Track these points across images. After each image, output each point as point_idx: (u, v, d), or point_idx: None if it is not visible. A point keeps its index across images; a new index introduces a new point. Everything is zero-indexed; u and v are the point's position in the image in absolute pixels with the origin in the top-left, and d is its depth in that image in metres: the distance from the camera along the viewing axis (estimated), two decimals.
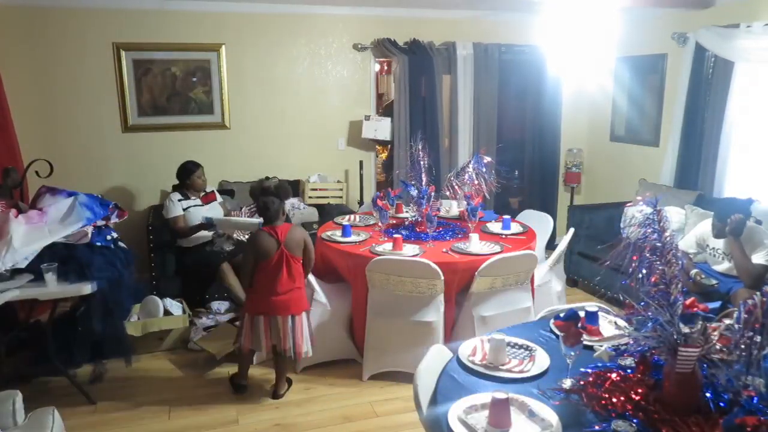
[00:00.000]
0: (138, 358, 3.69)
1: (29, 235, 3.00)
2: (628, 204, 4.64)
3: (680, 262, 1.70)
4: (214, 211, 4.41)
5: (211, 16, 4.87)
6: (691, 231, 3.94)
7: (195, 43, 4.86)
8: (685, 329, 1.64)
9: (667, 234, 1.71)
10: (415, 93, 5.32)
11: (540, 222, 4.18)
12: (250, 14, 4.95)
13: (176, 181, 4.46)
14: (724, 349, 1.69)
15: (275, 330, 3.12)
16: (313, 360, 3.58)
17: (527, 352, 2.13)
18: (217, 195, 4.58)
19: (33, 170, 3.75)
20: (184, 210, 4.31)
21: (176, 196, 4.36)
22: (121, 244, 3.45)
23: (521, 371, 1.99)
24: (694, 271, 3.62)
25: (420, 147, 4.06)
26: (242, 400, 3.29)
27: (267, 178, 3.36)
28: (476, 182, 4.06)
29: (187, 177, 4.38)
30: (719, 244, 3.63)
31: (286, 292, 3.10)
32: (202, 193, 4.47)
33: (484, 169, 4.09)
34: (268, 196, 3.10)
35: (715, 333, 1.69)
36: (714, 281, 3.57)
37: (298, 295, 3.16)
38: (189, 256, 4.32)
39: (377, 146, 5.67)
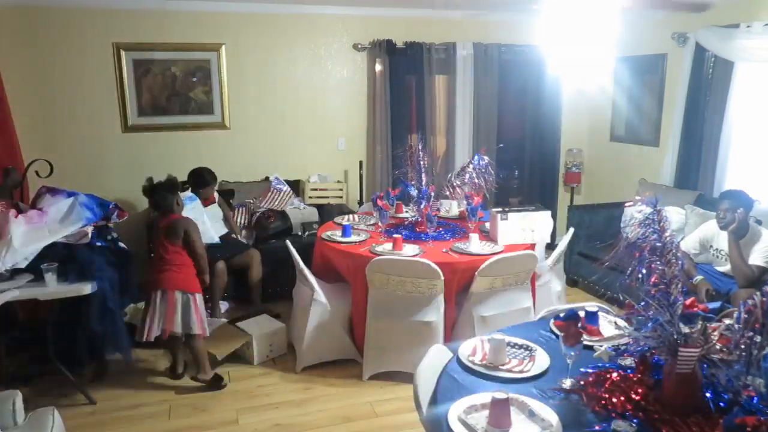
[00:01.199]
0: (138, 357, 3.70)
1: (29, 235, 3.01)
2: (628, 204, 4.64)
3: (680, 262, 1.70)
4: (214, 212, 4.41)
5: (211, 16, 4.87)
6: (695, 231, 3.92)
7: (195, 43, 4.86)
8: (685, 329, 1.64)
9: (667, 234, 1.71)
10: (398, 93, 5.31)
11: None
12: (250, 14, 4.95)
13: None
14: (724, 349, 1.69)
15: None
16: (313, 360, 3.58)
17: (527, 352, 2.13)
18: (216, 196, 4.56)
19: (33, 170, 3.75)
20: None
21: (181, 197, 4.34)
22: (121, 244, 3.45)
23: (521, 371, 1.99)
24: (698, 278, 3.60)
25: (420, 147, 4.07)
26: (242, 400, 3.29)
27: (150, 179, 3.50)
28: (476, 182, 4.06)
29: (203, 187, 4.34)
30: (723, 245, 3.62)
31: (160, 272, 3.30)
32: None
33: (483, 169, 4.09)
34: (160, 192, 3.36)
35: (715, 333, 1.69)
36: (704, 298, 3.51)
37: (169, 275, 3.30)
38: None
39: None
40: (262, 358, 3.68)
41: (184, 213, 3.51)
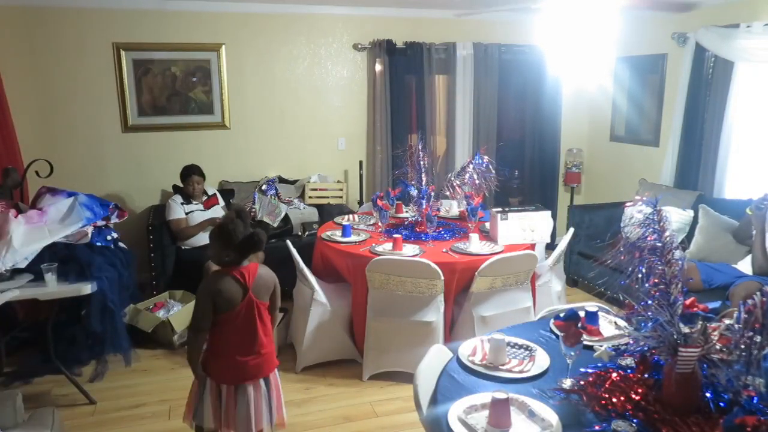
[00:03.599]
0: (138, 357, 3.70)
1: (29, 235, 3.00)
2: (628, 204, 4.64)
3: (680, 262, 1.70)
4: (216, 215, 4.41)
5: (211, 16, 4.87)
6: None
7: (195, 43, 4.86)
8: (685, 329, 1.64)
9: (666, 234, 1.71)
10: (398, 93, 5.32)
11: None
12: (250, 14, 4.95)
13: (177, 181, 4.46)
14: (724, 349, 1.69)
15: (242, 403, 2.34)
16: (313, 360, 3.58)
17: (527, 352, 2.13)
18: (220, 199, 4.57)
19: (33, 170, 3.76)
20: (186, 214, 4.32)
21: (178, 198, 4.36)
22: (121, 244, 3.45)
23: (521, 371, 1.99)
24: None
25: (420, 147, 4.07)
26: None
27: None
28: (477, 181, 4.06)
29: (184, 179, 4.37)
30: None
31: (261, 353, 2.34)
32: (205, 198, 4.47)
33: (485, 168, 4.09)
34: (232, 222, 2.27)
35: (715, 333, 1.69)
36: None
37: (270, 351, 2.42)
38: (189, 256, 4.32)
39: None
40: None
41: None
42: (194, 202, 4.39)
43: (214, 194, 4.59)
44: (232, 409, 2.31)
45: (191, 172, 4.39)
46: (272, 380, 2.43)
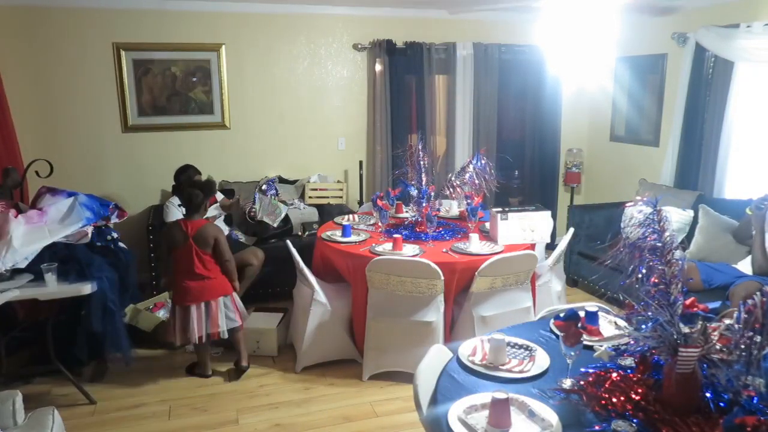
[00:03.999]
0: (138, 357, 3.69)
1: (29, 235, 3.00)
2: (628, 204, 4.65)
3: (680, 262, 1.70)
4: (211, 215, 4.40)
5: (211, 16, 4.87)
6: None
7: (195, 43, 4.86)
8: (685, 329, 1.64)
9: (666, 234, 1.71)
10: (398, 93, 5.32)
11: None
12: (250, 14, 4.95)
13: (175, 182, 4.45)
14: (724, 349, 1.69)
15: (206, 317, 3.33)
16: (313, 360, 3.58)
17: (527, 352, 2.13)
18: (216, 196, 4.52)
19: (33, 170, 3.76)
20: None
21: (175, 200, 4.34)
22: (121, 244, 3.46)
23: (521, 371, 1.99)
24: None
25: (420, 147, 4.06)
26: (242, 400, 3.29)
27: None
28: (477, 182, 4.06)
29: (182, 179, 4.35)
30: None
31: (198, 281, 3.30)
32: None
33: (483, 169, 4.09)
34: (195, 189, 3.32)
35: (715, 333, 1.69)
36: None
37: (210, 284, 3.34)
38: None
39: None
40: (248, 351, 3.70)
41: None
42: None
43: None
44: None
45: (189, 172, 4.38)
46: (212, 305, 3.34)
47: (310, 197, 5.12)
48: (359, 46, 5.25)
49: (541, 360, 2.06)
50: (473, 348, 2.14)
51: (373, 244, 3.57)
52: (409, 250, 3.44)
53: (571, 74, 5.70)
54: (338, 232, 3.77)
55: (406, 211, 4.29)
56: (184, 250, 3.30)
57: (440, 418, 1.75)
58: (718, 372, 1.66)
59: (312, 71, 5.22)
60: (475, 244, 3.49)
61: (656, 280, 1.69)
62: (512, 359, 2.07)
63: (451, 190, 4.18)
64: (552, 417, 1.69)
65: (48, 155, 3.93)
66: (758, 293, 1.64)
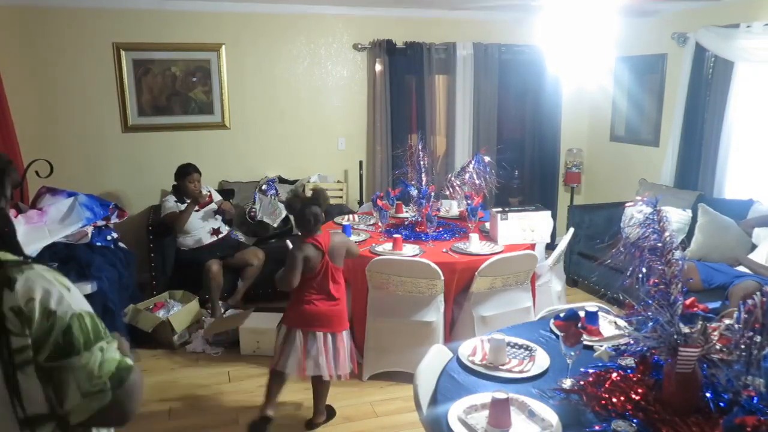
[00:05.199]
0: (138, 357, 3.70)
1: (29, 235, 3.01)
2: (628, 204, 4.65)
3: (680, 262, 1.70)
4: (208, 214, 4.40)
5: (211, 16, 4.87)
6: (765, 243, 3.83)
7: (195, 43, 4.86)
8: (685, 329, 1.64)
9: (666, 234, 1.71)
10: (398, 93, 5.31)
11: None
12: (250, 14, 4.95)
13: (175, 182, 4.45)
14: (724, 349, 1.69)
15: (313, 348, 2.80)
16: None
17: (527, 352, 2.13)
18: (214, 196, 4.50)
19: (33, 170, 3.76)
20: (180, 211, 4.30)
21: (171, 198, 4.34)
22: (121, 244, 3.46)
23: (521, 371, 1.99)
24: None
25: (420, 147, 4.07)
26: (242, 400, 3.29)
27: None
28: (477, 182, 4.06)
29: (181, 179, 4.34)
30: None
31: (329, 307, 2.82)
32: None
33: (486, 168, 4.09)
34: (311, 206, 2.79)
35: (715, 333, 1.69)
36: None
37: (341, 309, 2.88)
38: (188, 256, 4.31)
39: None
40: (248, 351, 3.73)
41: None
42: (188, 202, 4.36)
43: (209, 192, 4.56)
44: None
45: (190, 171, 4.37)
46: (338, 338, 2.84)
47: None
48: (359, 46, 5.25)
49: (541, 360, 2.06)
50: (473, 348, 2.14)
51: (373, 244, 3.57)
52: (409, 250, 3.44)
53: (570, 74, 5.70)
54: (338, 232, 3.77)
55: (406, 211, 4.28)
56: (320, 269, 2.78)
57: (440, 418, 1.75)
58: (718, 372, 1.66)
59: (312, 71, 5.22)
60: (475, 244, 3.49)
61: (656, 280, 1.69)
62: (512, 359, 2.07)
63: (451, 190, 4.18)
64: (552, 417, 1.69)
65: (48, 155, 3.94)
66: (758, 293, 1.64)
